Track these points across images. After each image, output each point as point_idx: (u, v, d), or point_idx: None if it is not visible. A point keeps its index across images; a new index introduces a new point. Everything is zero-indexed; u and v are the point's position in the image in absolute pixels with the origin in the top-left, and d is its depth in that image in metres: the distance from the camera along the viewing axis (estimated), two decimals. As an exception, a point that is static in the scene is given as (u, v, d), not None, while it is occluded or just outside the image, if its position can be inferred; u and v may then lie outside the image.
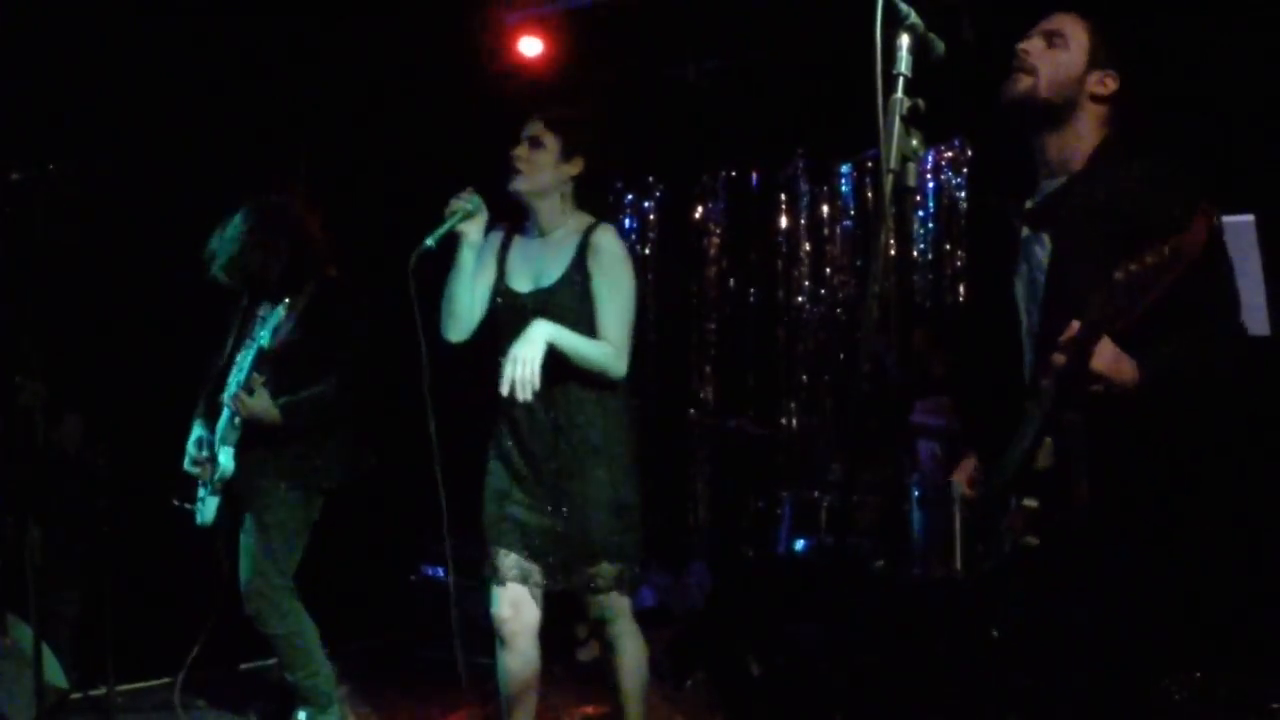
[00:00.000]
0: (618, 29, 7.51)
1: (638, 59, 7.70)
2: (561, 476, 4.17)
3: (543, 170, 4.21)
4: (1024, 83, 3.29)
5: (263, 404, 4.76)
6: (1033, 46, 3.31)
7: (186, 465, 5.05)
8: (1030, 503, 3.19)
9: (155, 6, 6.12)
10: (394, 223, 7.23)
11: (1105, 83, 3.29)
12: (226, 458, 4.92)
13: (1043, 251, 3.32)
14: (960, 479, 3.72)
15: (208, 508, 4.98)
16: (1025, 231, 3.41)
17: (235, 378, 4.98)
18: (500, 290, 4.23)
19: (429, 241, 3.95)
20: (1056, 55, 3.29)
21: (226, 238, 5.00)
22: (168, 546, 5.56)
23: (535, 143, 4.20)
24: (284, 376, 4.85)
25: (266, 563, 4.87)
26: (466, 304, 4.22)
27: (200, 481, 5.03)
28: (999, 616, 4.33)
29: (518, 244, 4.29)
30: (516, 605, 4.17)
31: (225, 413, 4.96)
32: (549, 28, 7.77)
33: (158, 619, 5.76)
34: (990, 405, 3.65)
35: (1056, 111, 3.29)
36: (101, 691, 5.59)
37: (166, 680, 6.05)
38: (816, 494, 6.25)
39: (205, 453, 5.01)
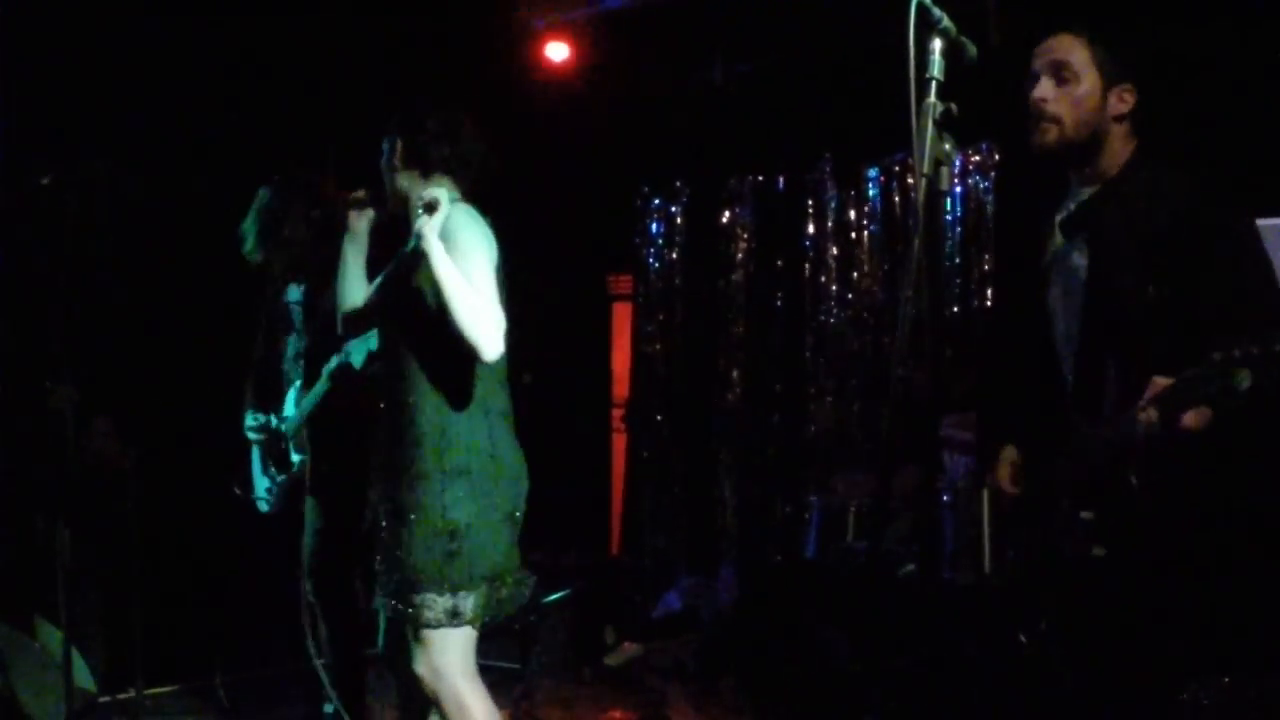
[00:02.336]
0: (644, 33, 7.51)
1: (665, 63, 7.70)
2: None
3: None
4: (1051, 134, 3.33)
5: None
6: (1047, 92, 3.33)
7: (253, 438, 5.07)
8: (1088, 515, 3.26)
9: (185, 7, 6.15)
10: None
11: (1124, 99, 3.32)
12: (296, 456, 4.94)
13: (1080, 259, 3.36)
14: (1003, 475, 3.70)
15: (272, 501, 5.04)
16: (1059, 239, 3.45)
17: (288, 368, 4.97)
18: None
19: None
20: (1072, 93, 3.31)
21: (254, 214, 5.00)
22: (197, 549, 5.58)
23: None
24: (314, 361, 4.84)
25: (333, 544, 4.87)
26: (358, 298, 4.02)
27: (268, 473, 5.06)
28: (1028, 623, 4.36)
29: None
30: None
31: (290, 407, 4.95)
32: (576, 32, 7.78)
33: (187, 622, 5.79)
34: (1026, 410, 3.64)
35: (1088, 145, 3.33)
36: (130, 694, 5.61)
37: (196, 684, 6.09)
38: (844, 499, 6.25)
39: (274, 426, 5.03)
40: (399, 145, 3.98)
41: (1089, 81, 3.30)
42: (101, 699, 5.58)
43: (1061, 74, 3.33)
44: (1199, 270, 3.11)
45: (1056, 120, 3.31)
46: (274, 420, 5.02)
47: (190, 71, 6.16)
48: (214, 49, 6.26)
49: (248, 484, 5.10)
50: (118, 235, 5.52)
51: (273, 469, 5.06)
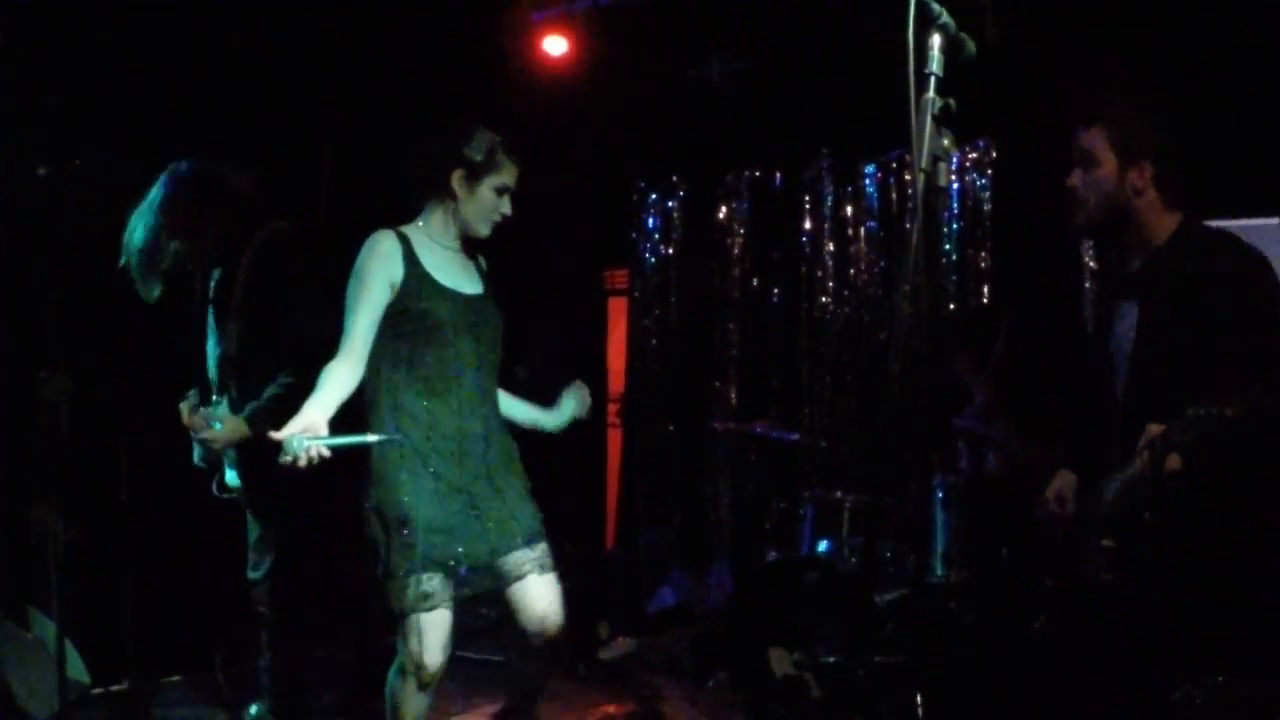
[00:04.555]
0: (642, 28, 7.50)
1: (662, 58, 7.69)
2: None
3: None
4: (1079, 214, 3.83)
5: (229, 430, 4.58)
6: (1074, 179, 3.81)
7: (196, 460, 4.97)
8: (1109, 543, 3.66)
9: (181, 4, 6.14)
10: (413, 218, 7.28)
11: (1142, 175, 3.70)
12: (232, 476, 4.86)
13: (1131, 318, 3.76)
14: (1062, 494, 3.98)
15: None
16: (1117, 299, 3.87)
17: (212, 374, 4.89)
18: (438, 289, 4.11)
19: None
20: (1093, 176, 3.76)
21: (136, 228, 4.77)
22: (189, 540, 5.57)
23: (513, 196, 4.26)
24: (245, 362, 4.74)
25: (271, 553, 4.85)
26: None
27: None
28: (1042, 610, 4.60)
29: (422, 246, 4.17)
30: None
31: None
32: (574, 27, 7.77)
33: (179, 613, 5.78)
34: (1086, 446, 3.95)
35: (1115, 219, 3.77)
36: (124, 686, 5.61)
37: (189, 675, 6.08)
38: (839, 495, 6.25)
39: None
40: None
41: (1107, 166, 3.73)
42: (94, 690, 5.57)
43: (1085, 161, 3.78)
44: (1227, 333, 3.48)
45: (1083, 203, 3.79)
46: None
47: (186, 64, 6.14)
48: (211, 44, 6.25)
49: (223, 481, 4.99)
50: (113, 227, 5.51)
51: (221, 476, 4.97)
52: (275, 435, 3.61)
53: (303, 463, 3.57)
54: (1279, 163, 5.73)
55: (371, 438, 3.85)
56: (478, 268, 4.32)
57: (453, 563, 3.99)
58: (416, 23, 7.08)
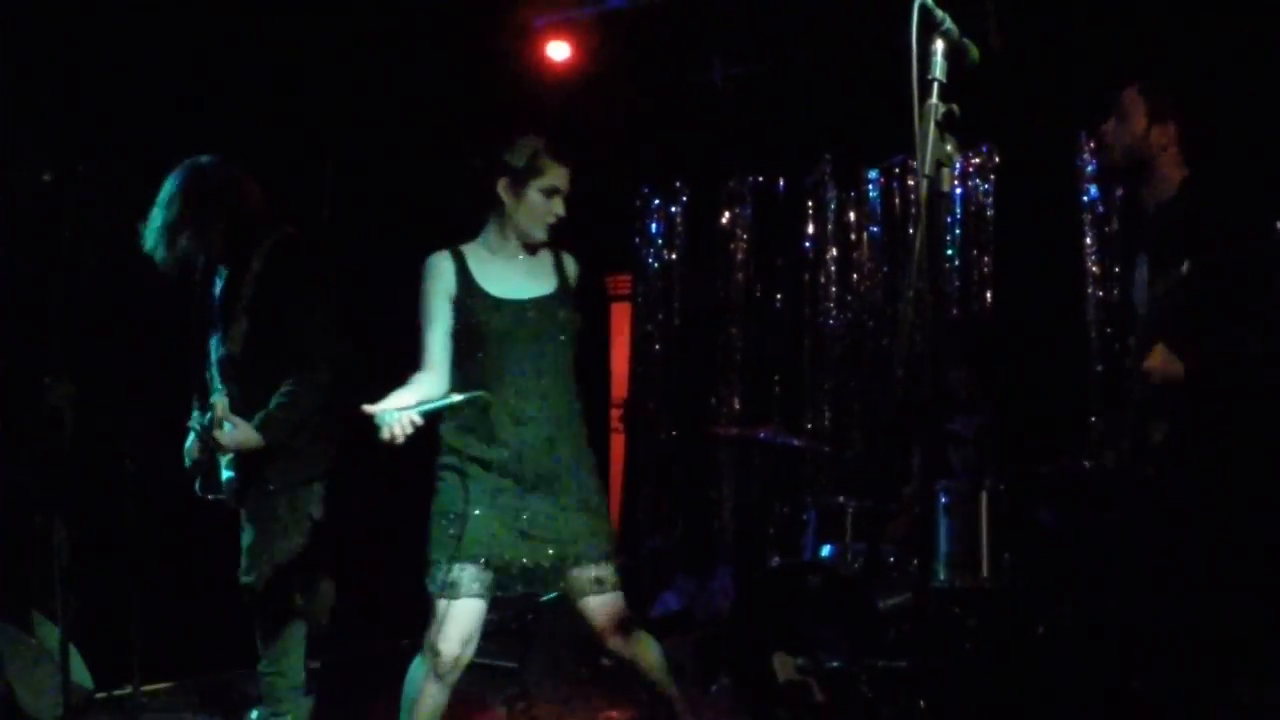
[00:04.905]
0: (645, 33, 7.51)
1: (665, 63, 7.70)
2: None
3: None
4: (1105, 157, 4.46)
5: (241, 435, 4.63)
6: (1108, 126, 4.31)
7: (188, 463, 5.00)
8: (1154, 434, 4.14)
9: (185, 8, 6.15)
10: (417, 224, 7.28)
11: (1165, 132, 4.20)
12: (225, 474, 4.86)
13: (1144, 268, 4.27)
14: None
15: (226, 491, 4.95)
16: (1135, 250, 4.40)
17: (211, 373, 4.92)
18: (489, 300, 4.23)
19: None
20: (1123, 128, 4.26)
21: (154, 217, 4.87)
22: (193, 545, 5.57)
23: (566, 197, 4.31)
24: (252, 362, 4.76)
25: (264, 558, 4.85)
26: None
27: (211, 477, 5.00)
28: (1044, 615, 5.10)
29: (476, 259, 4.31)
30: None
31: (207, 418, 4.88)
32: (576, 32, 7.78)
33: (183, 618, 5.78)
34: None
35: (1136, 168, 4.28)
36: (127, 691, 5.61)
37: (193, 679, 6.09)
38: (841, 500, 6.25)
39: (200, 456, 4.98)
40: None
41: (1136, 120, 4.23)
42: (98, 695, 5.57)
43: (1119, 114, 4.28)
44: (1227, 283, 3.94)
45: (1110, 149, 4.33)
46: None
47: (191, 69, 6.15)
48: (217, 48, 6.25)
49: (211, 483, 5.00)
50: (118, 231, 5.51)
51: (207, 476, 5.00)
52: (368, 409, 3.80)
53: (398, 433, 3.77)
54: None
55: (457, 398, 3.99)
56: (554, 267, 4.38)
57: (485, 562, 4.06)
58: (420, 28, 7.08)
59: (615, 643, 4.23)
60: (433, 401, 3.95)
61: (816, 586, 5.66)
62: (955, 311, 7.27)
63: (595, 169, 8.34)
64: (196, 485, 5.06)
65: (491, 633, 6.51)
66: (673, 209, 8.60)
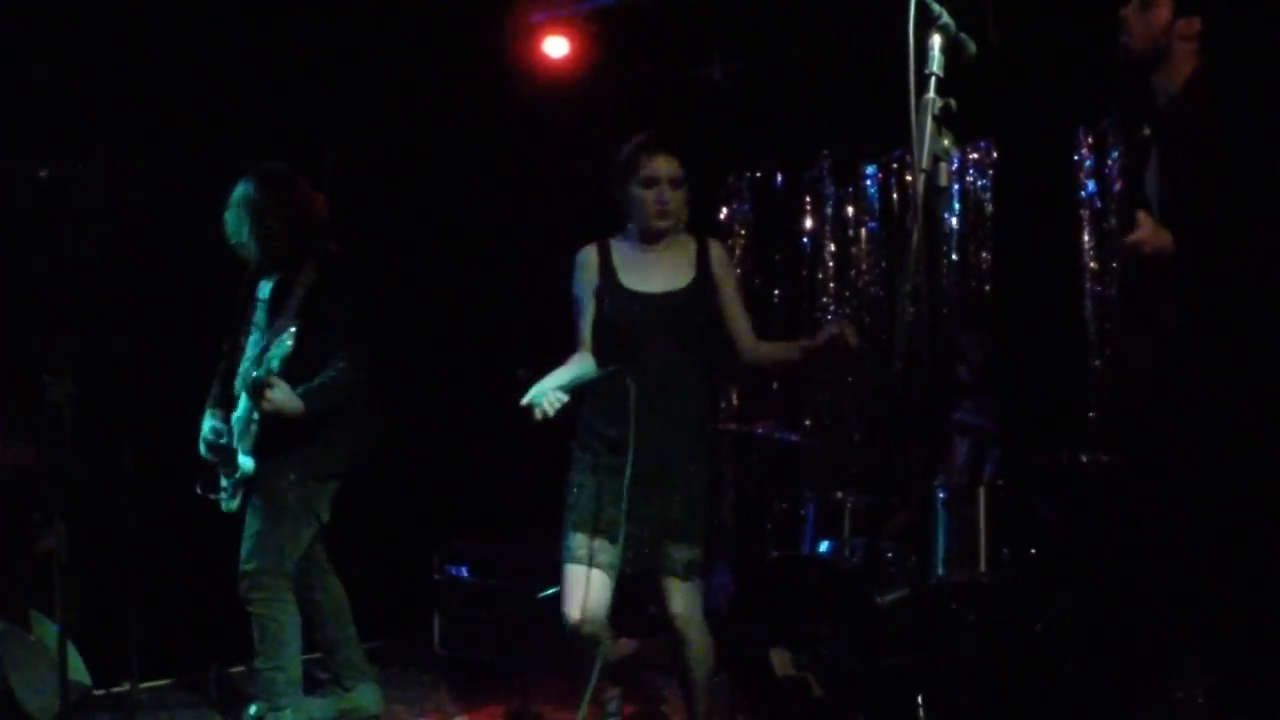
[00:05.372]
0: (643, 29, 7.50)
1: (663, 59, 7.69)
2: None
3: (684, 207, 4.55)
4: (1125, 46, 4.11)
5: (284, 396, 4.77)
6: (1131, 9, 4.09)
7: (202, 453, 5.13)
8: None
9: (183, 5, 6.14)
10: (416, 218, 7.28)
11: (1190, 24, 4.00)
12: (246, 461, 4.97)
13: (1156, 157, 4.13)
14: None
15: (234, 498, 5.05)
16: (1149, 143, 4.26)
17: (245, 367, 5.00)
18: (624, 294, 4.44)
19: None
20: (1147, 15, 4.04)
21: (234, 208, 5.08)
22: (192, 543, 5.58)
23: (676, 183, 4.52)
24: (295, 361, 4.83)
25: (269, 547, 4.92)
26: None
27: (222, 473, 5.08)
28: (1043, 611, 5.00)
29: (620, 253, 4.54)
30: None
31: (242, 407, 4.97)
32: (574, 28, 7.76)
33: (182, 616, 5.78)
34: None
35: (1154, 56, 4.07)
36: (125, 688, 5.61)
37: (191, 677, 6.09)
38: (840, 496, 6.25)
39: (225, 441, 5.04)
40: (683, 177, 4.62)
41: (1163, 8, 4.02)
42: (96, 692, 5.58)
43: (1144, 1, 4.07)
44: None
45: (1130, 33, 4.08)
46: (223, 429, 5.13)
47: (188, 66, 6.14)
48: (212, 45, 6.25)
49: (210, 483, 5.15)
50: (116, 229, 5.51)
51: (222, 470, 5.12)
52: (525, 400, 4.07)
53: (548, 409, 4.03)
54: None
55: (596, 375, 4.31)
56: (695, 260, 4.53)
57: (593, 532, 4.29)
58: (417, 24, 7.07)
59: (679, 624, 4.38)
60: (576, 380, 4.22)
61: (815, 582, 5.65)
62: (953, 306, 7.27)
63: (592, 165, 8.39)
64: (197, 486, 5.09)
65: (488, 628, 6.55)
66: (671, 204, 8.58)
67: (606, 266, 4.49)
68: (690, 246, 4.55)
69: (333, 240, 5.17)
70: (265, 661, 4.97)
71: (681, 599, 4.35)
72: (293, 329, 4.71)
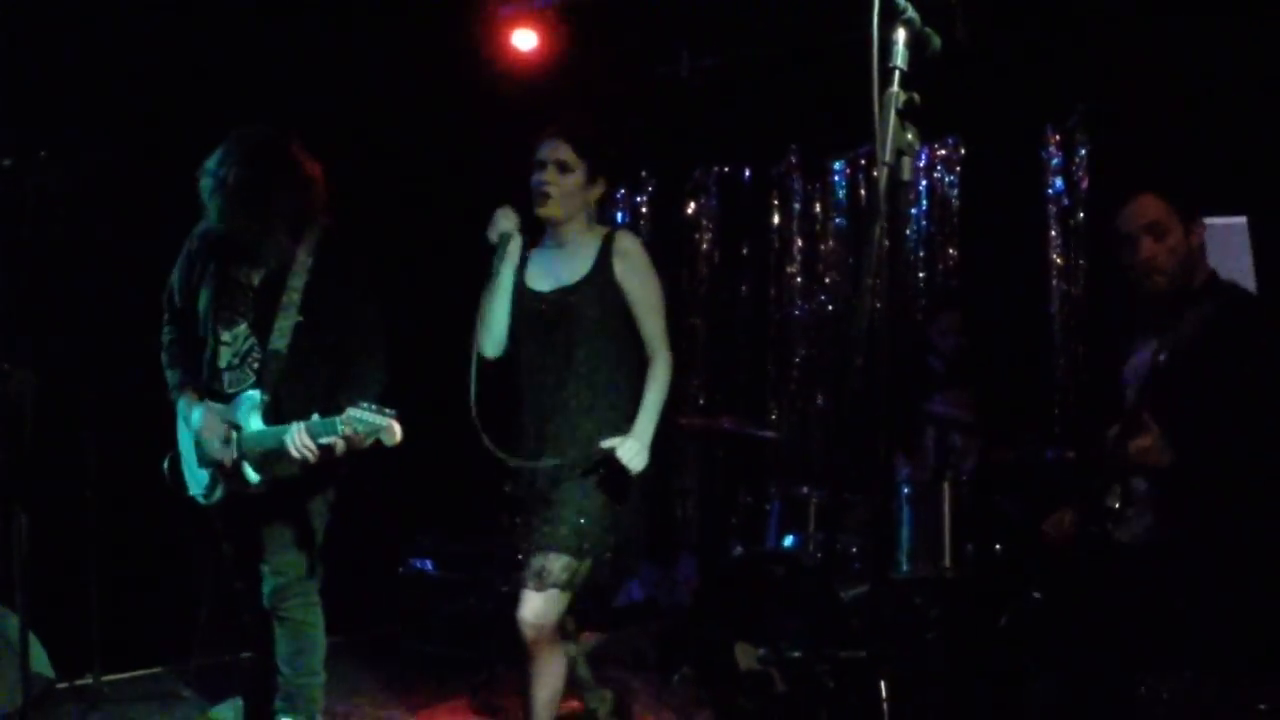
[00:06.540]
0: (612, 23, 7.50)
1: (631, 53, 7.69)
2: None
3: (572, 195, 4.26)
4: (1163, 283, 4.00)
5: (325, 441, 4.23)
6: (1153, 251, 3.99)
7: (202, 464, 4.57)
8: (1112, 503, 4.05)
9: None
10: (381, 211, 7.25)
11: (1200, 231, 4.03)
12: (254, 475, 4.41)
13: (1147, 353, 3.95)
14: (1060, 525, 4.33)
15: (216, 489, 4.55)
16: (1140, 332, 4.18)
17: (228, 357, 4.47)
18: (522, 293, 4.32)
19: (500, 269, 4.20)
20: (1167, 244, 3.97)
21: (223, 190, 4.32)
22: (154, 534, 5.55)
23: (562, 167, 4.24)
24: (294, 360, 4.40)
25: (305, 556, 4.56)
26: (503, 320, 4.35)
27: (212, 470, 4.55)
28: (1007, 605, 5.01)
29: (537, 250, 4.39)
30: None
31: (258, 428, 4.41)
32: (543, 21, 7.76)
33: (144, 608, 5.76)
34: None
35: (1186, 281, 4.01)
36: (88, 680, 5.59)
37: (154, 670, 6.06)
38: (805, 490, 6.26)
39: (230, 445, 4.45)
40: (578, 161, 4.29)
41: (1176, 231, 3.97)
42: (59, 685, 5.55)
43: (1155, 231, 3.98)
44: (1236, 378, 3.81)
45: (1165, 272, 3.99)
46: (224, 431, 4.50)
47: (152, 57, 6.11)
48: (175, 32, 6.21)
49: (179, 481, 4.67)
50: (78, 218, 5.47)
51: (214, 468, 4.55)
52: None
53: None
54: (1243, 162, 5.77)
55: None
56: (598, 254, 4.27)
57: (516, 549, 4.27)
58: (386, 16, 7.05)
59: (523, 631, 4.21)
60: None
61: (779, 576, 5.66)
62: (923, 303, 7.30)
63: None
64: (181, 484, 4.80)
65: (453, 622, 6.54)
66: (638, 199, 8.58)
67: (523, 264, 4.35)
68: (596, 243, 4.28)
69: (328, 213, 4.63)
70: (298, 669, 4.58)
71: (529, 606, 4.16)
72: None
